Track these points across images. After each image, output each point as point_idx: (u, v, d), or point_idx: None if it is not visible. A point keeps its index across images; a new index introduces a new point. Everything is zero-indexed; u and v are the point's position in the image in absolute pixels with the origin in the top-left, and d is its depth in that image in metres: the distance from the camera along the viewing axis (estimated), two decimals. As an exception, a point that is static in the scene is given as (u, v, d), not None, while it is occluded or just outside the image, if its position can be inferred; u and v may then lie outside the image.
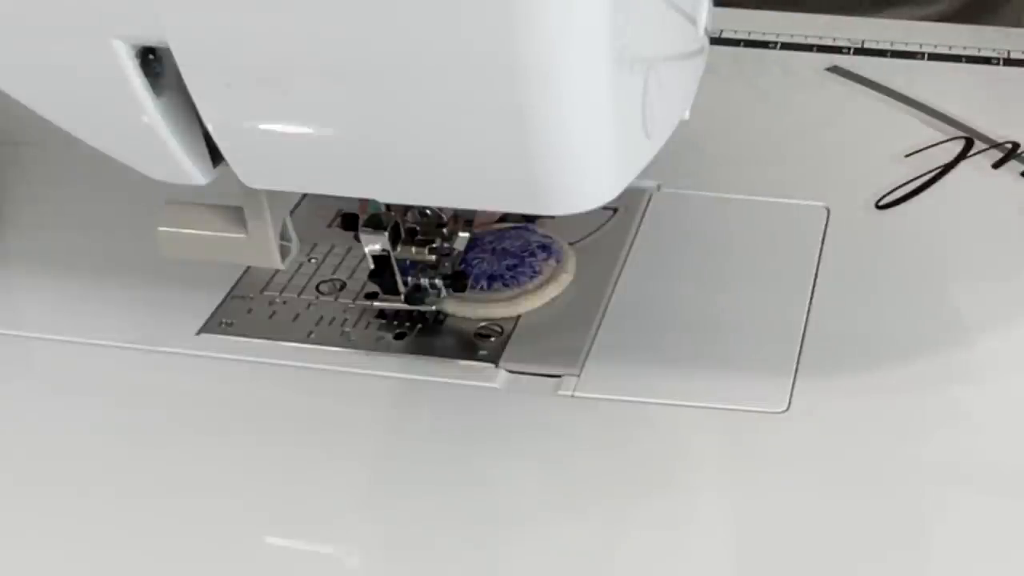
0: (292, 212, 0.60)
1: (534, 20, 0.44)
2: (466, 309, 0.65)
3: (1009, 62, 0.83)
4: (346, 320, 0.66)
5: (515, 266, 0.67)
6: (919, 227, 0.70)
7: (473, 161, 0.49)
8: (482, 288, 0.66)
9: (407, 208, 0.62)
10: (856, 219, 0.71)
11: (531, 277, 0.66)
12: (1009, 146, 0.75)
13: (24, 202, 0.76)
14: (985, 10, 0.91)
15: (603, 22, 0.46)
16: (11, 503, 0.58)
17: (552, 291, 0.66)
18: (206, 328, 0.66)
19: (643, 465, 0.58)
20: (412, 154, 0.49)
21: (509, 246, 0.68)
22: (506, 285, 0.66)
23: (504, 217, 0.70)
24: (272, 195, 0.57)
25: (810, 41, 0.87)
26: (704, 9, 0.56)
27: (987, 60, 0.83)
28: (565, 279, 0.67)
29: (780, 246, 0.69)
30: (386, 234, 0.61)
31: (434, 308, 0.65)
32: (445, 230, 0.63)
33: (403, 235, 0.62)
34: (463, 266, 0.66)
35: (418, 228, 0.62)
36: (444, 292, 0.64)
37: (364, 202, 0.62)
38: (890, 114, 0.79)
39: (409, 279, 0.63)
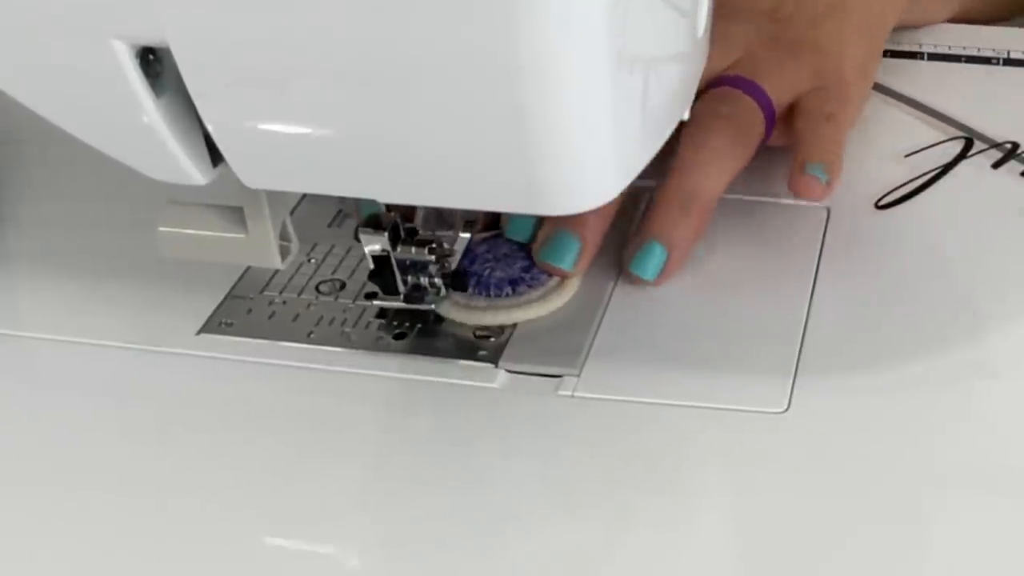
0: (292, 212, 0.60)
1: (534, 20, 0.44)
2: (499, 316, 0.65)
3: (1009, 62, 0.83)
4: (346, 320, 0.66)
5: (530, 266, 0.66)
6: (919, 227, 0.70)
7: (473, 161, 0.49)
8: (507, 295, 0.65)
9: (411, 209, 0.62)
10: (856, 219, 0.71)
11: (550, 275, 0.66)
12: (1009, 146, 0.75)
13: (24, 202, 0.76)
14: None
15: (602, 22, 0.46)
16: (10, 503, 0.58)
17: (572, 287, 0.66)
18: (206, 328, 0.66)
19: (643, 465, 0.58)
20: (412, 154, 0.49)
21: (509, 250, 0.67)
22: (530, 287, 0.66)
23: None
24: (272, 195, 0.57)
25: (810, 41, 0.86)
26: (704, 9, 0.56)
27: (987, 60, 0.83)
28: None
29: (780, 246, 0.69)
30: (386, 234, 0.61)
31: (433, 307, 0.65)
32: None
33: (403, 235, 0.62)
34: (473, 279, 0.65)
35: (418, 228, 0.62)
36: (444, 291, 0.64)
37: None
38: (890, 114, 0.79)
39: (409, 279, 0.63)
